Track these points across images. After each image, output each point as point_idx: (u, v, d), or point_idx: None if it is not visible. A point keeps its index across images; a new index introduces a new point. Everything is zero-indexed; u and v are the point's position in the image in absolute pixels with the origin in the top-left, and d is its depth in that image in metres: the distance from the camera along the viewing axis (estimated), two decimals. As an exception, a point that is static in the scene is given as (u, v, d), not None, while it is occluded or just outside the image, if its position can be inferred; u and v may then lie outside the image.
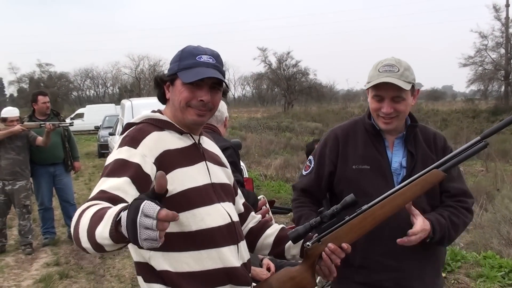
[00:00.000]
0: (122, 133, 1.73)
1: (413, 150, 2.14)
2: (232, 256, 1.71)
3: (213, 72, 1.68)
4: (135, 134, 1.64)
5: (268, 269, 3.47)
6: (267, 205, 4.74)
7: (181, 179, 1.63)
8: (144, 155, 1.57)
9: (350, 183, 2.12)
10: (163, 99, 1.80)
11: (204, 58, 1.69)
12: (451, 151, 2.07)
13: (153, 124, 1.70)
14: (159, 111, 1.79)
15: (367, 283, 2.09)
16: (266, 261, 3.61)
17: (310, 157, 2.28)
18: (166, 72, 1.78)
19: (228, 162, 3.02)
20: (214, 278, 1.65)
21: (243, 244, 1.81)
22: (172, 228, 1.59)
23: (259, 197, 4.97)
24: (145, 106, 10.18)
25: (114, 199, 1.41)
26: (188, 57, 1.69)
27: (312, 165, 2.25)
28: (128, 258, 6.02)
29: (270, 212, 4.84)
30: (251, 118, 33.31)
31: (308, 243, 1.82)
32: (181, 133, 1.74)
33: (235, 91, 67.83)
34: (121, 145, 1.61)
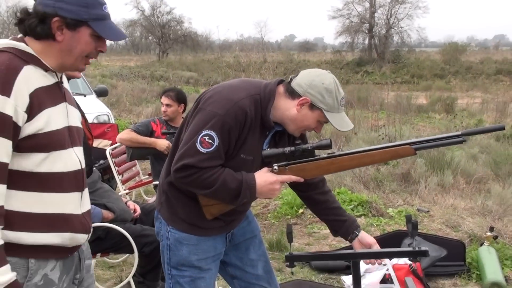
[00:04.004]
0: None
1: (277, 140, 2.17)
2: (74, 203, 1.70)
3: (123, 32, 1.73)
4: (5, 75, 1.50)
5: (134, 211, 3.48)
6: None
7: (46, 120, 1.58)
8: (17, 105, 1.50)
9: (231, 168, 2.04)
10: (36, 34, 1.60)
11: (107, 8, 1.66)
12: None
13: (18, 56, 1.57)
14: (22, 40, 1.63)
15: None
16: (131, 203, 3.60)
17: (210, 131, 1.94)
18: (57, 11, 1.57)
19: None
20: (52, 222, 1.63)
21: (86, 192, 1.80)
22: (20, 165, 1.56)
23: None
24: None
25: (5, 171, 1.52)
26: (96, 6, 1.63)
27: (216, 143, 1.95)
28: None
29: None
30: (124, 67, 32.06)
31: (275, 166, 2.08)
32: (46, 70, 1.63)
33: (106, 38, 64.49)
34: None
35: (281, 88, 2.09)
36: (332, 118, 2.03)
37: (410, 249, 2.24)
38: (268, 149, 2.11)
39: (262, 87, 2.07)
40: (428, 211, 5.24)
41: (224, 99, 1.99)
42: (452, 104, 15.42)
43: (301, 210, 5.24)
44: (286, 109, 2.05)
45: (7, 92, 1.48)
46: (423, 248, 2.21)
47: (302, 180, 2.13)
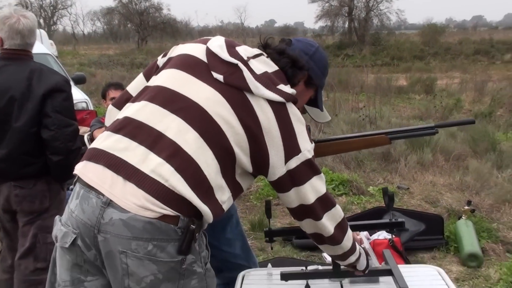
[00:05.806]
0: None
1: None
2: None
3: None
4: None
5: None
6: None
7: None
8: None
9: None
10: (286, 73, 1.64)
11: None
12: None
13: None
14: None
15: None
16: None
17: None
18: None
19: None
20: None
21: None
22: None
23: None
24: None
25: None
26: (326, 76, 1.82)
27: None
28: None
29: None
30: (103, 55, 31.66)
31: None
32: None
33: (84, 27, 63.48)
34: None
35: None
36: (310, 109, 2.02)
37: (387, 220, 2.27)
38: None
39: None
40: (408, 188, 5.32)
41: None
42: (431, 85, 15.51)
43: (282, 191, 5.27)
44: None
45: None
46: (399, 220, 2.24)
47: None
